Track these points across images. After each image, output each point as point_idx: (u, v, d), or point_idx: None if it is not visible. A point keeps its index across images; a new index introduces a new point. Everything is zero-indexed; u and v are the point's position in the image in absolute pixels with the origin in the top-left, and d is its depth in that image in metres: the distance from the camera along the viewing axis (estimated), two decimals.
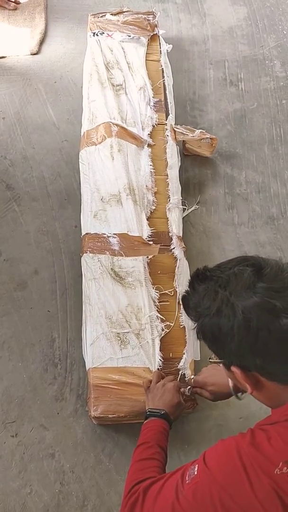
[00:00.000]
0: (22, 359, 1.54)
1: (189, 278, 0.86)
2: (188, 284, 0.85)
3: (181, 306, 1.49)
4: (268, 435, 0.77)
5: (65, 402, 1.47)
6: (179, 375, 1.38)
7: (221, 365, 0.85)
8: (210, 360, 0.87)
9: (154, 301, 1.50)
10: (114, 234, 1.62)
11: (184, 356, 1.42)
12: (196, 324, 0.82)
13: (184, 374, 1.37)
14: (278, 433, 0.77)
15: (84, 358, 1.47)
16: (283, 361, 0.75)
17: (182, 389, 1.28)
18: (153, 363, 1.39)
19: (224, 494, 0.75)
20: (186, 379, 1.33)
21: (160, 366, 1.39)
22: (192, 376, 1.25)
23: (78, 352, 1.53)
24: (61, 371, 1.52)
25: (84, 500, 1.33)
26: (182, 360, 1.41)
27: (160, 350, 1.42)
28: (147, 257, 1.58)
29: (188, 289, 0.84)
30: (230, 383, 1.10)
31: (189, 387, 1.31)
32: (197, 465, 0.81)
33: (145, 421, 1.13)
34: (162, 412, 1.13)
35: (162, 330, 1.46)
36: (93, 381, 1.36)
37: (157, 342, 1.43)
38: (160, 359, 1.40)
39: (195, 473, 0.80)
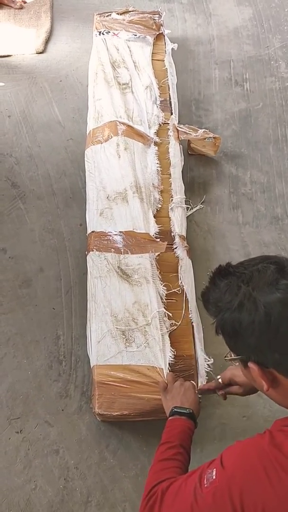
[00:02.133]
0: (27, 356, 1.55)
1: (210, 274, 0.86)
2: (209, 280, 0.86)
3: (189, 304, 1.51)
4: None
5: (70, 399, 1.48)
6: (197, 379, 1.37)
7: (237, 363, 0.85)
8: (226, 358, 0.87)
9: (161, 298, 1.51)
10: (120, 231, 1.62)
11: (198, 356, 1.43)
12: (215, 319, 0.83)
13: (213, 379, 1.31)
14: None
15: (88, 355, 1.47)
16: None
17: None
18: (162, 359, 1.39)
19: (245, 495, 0.74)
20: (214, 385, 1.26)
21: (171, 361, 1.39)
22: (218, 377, 1.21)
23: (83, 349, 1.54)
24: (66, 368, 1.53)
25: (88, 496, 1.34)
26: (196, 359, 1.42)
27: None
28: (155, 254, 1.58)
29: (209, 285, 0.85)
30: None
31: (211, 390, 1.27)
32: (215, 469, 0.80)
33: (170, 418, 1.11)
34: (190, 411, 1.11)
35: (170, 326, 1.46)
36: (98, 378, 1.37)
37: (167, 338, 1.44)
38: (171, 356, 1.40)
39: (214, 477, 0.79)
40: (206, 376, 1.41)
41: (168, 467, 0.97)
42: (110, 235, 1.62)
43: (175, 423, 1.08)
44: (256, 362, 0.79)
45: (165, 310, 1.48)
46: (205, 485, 0.79)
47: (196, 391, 1.23)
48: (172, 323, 1.48)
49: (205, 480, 0.80)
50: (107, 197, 1.71)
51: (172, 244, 1.65)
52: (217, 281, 0.82)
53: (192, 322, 1.49)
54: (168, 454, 1.00)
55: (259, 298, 0.75)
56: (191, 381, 1.26)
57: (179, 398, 1.16)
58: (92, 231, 1.65)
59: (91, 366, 1.43)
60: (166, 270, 1.59)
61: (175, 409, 1.12)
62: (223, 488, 0.77)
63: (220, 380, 1.20)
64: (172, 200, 1.75)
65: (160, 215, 1.72)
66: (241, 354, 0.81)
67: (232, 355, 0.84)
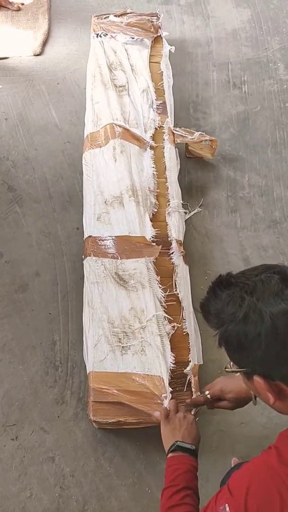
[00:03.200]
0: (23, 361, 1.54)
1: (210, 284, 0.83)
2: (208, 290, 0.83)
3: (183, 312, 1.49)
4: None
5: (66, 405, 1.47)
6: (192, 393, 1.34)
7: (238, 374, 0.83)
8: (227, 369, 0.85)
9: (160, 302, 1.49)
10: (115, 236, 1.61)
11: (190, 362, 1.41)
12: (218, 331, 0.80)
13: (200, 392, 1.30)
14: None
15: (85, 362, 1.46)
16: None
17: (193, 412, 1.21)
18: (159, 366, 1.38)
19: None
20: (202, 395, 1.23)
21: (172, 367, 1.37)
22: (207, 392, 1.17)
23: (79, 355, 1.52)
24: (62, 374, 1.52)
25: (84, 505, 1.33)
26: (188, 365, 1.40)
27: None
28: (150, 258, 1.57)
29: (209, 295, 0.82)
30: None
31: (196, 409, 1.25)
32: (227, 505, 0.76)
33: (170, 455, 1.04)
34: (194, 448, 1.04)
35: (172, 329, 1.45)
36: (93, 385, 1.35)
37: (167, 343, 1.42)
38: (172, 362, 1.39)
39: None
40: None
41: None
42: (107, 240, 1.61)
43: (178, 462, 1.02)
44: (262, 375, 0.77)
45: (164, 314, 1.47)
46: None
47: (184, 405, 1.20)
48: (173, 326, 1.46)
49: None
50: (105, 202, 1.69)
51: (169, 249, 1.63)
52: (218, 292, 0.80)
53: (185, 330, 1.47)
54: (175, 500, 0.94)
55: (265, 310, 0.73)
56: (193, 409, 1.20)
57: (181, 432, 1.08)
58: (89, 236, 1.63)
59: (87, 373, 1.41)
60: (164, 275, 1.57)
61: (179, 444, 1.05)
62: None
63: (208, 396, 1.17)
64: (169, 204, 1.74)
65: (157, 220, 1.71)
66: (246, 367, 0.79)
67: (234, 367, 0.82)
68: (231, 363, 0.84)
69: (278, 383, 0.76)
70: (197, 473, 1.02)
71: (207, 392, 1.17)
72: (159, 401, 1.31)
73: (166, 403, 1.29)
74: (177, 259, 1.60)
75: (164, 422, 1.13)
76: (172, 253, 1.62)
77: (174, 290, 1.54)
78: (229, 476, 0.85)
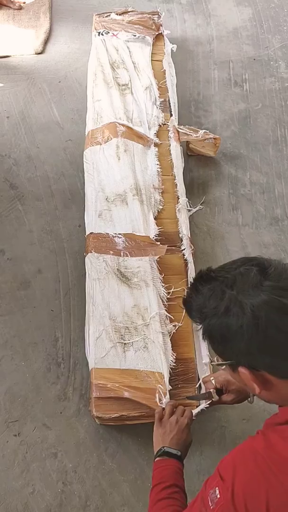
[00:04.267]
0: (25, 358, 1.54)
1: (191, 280, 0.85)
2: (190, 286, 0.85)
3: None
4: (282, 435, 0.76)
5: (68, 401, 1.47)
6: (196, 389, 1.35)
7: (224, 367, 0.84)
8: (213, 363, 0.86)
9: (162, 301, 1.49)
10: (120, 234, 1.61)
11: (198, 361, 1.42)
12: (201, 326, 0.82)
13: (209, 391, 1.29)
14: None
15: (87, 358, 1.46)
16: None
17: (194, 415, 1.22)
18: (161, 363, 1.38)
19: (248, 504, 0.73)
20: (206, 379, 1.25)
21: (172, 366, 1.38)
22: (212, 378, 1.19)
23: (81, 351, 1.53)
24: (64, 371, 1.52)
25: (86, 500, 1.33)
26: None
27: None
28: (155, 257, 1.57)
29: (190, 292, 0.84)
30: None
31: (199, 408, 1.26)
32: (217, 488, 0.78)
33: (157, 459, 1.07)
34: (179, 454, 1.07)
35: (173, 328, 1.45)
36: (95, 381, 1.36)
37: (168, 341, 1.42)
38: (172, 360, 1.39)
39: (218, 496, 0.77)
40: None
41: (168, 505, 0.94)
42: (109, 237, 1.61)
43: (166, 464, 1.04)
44: (247, 366, 0.78)
45: (166, 313, 1.47)
46: (211, 507, 0.78)
47: (186, 397, 1.21)
48: (174, 325, 1.46)
49: (209, 502, 0.78)
50: (106, 199, 1.70)
51: (175, 245, 1.63)
52: (199, 287, 0.81)
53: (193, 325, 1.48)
54: (164, 494, 0.97)
55: (245, 302, 0.74)
56: (189, 413, 1.20)
57: (170, 437, 1.10)
58: (91, 233, 1.64)
59: (90, 369, 1.42)
60: (168, 272, 1.58)
61: (165, 449, 1.08)
62: (229, 504, 0.75)
63: (213, 381, 1.19)
64: (179, 201, 1.75)
65: (161, 217, 1.71)
66: (230, 359, 0.80)
67: (220, 360, 0.83)
68: (218, 357, 0.85)
69: (262, 373, 0.78)
70: (183, 475, 1.04)
71: (212, 378, 1.19)
72: (159, 400, 1.31)
73: (164, 403, 1.29)
74: (189, 255, 1.61)
75: (157, 425, 1.16)
76: (183, 249, 1.62)
77: (178, 287, 1.54)
78: None
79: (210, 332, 0.80)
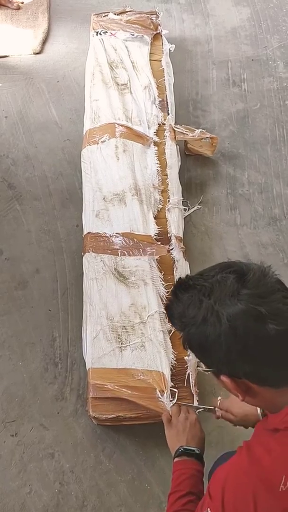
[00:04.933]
0: (22, 358, 1.54)
1: (172, 287, 0.84)
2: (171, 293, 0.84)
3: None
4: (267, 448, 0.75)
5: (65, 401, 1.47)
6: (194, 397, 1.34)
7: (209, 373, 0.83)
8: (199, 368, 0.86)
9: (162, 300, 1.49)
10: (117, 233, 1.61)
11: (189, 356, 1.41)
12: (182, 334, 0.81)
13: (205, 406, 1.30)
14: (278, 444, 0.75)
15: (84, 358, 1.46)
16: (273, 365, 0.74)
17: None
18: (159, 362, 1.38)
19: None
20: (214, 402, 1.23)
21: (173, 364, 1.38)
22: (219, 398, 1.18)
23: (79, 351, 1.52)
24: (62, 371, 1.52)
25: (83, 501, 1.33)
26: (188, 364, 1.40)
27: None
28: (156, 256, 1.57)
29: (172, 299, 0.83)
30: (259, 410, 1.07)
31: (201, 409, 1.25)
32: (209, 509, 0.78)
33: (176, 459, 1.03)
34: (197, 451, 1.04)
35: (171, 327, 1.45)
36: (92, 381, 1.35)
37: (168, 340, 1.42)
38: (173, 358, 1.39)
39: None
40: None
41: None
42: (106, 237, 1.61)
43: (184, 467, 1.01)
44: (228, 374, 0.77)
45: (165, 312, 1.46)
46: None
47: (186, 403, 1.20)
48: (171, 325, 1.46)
49: None
50: (103, 198, 1.70)
51: (168, 245, 1.63)
52: (179, 295, 0.80)
53: None
54: (177, 505, 0.95)
55: (222, 311, 0.73)
56: (194, 411, 1.18)
57: (185, 436, 1.07)
58: (88, 232, 1.64)
59: (87, 369, 1.41)
60: (164, 271, 1.57)
61: (183, 449, 1.04)
62: None
63: (218, 402, 1.18)
64: (169, 201, 1.74)
65: (159, 217, 1.71)
66: (211, 367, 0.80)
67: (204, 367, 0.83)
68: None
69: (244, 380, 0.77)
70: (202, 477, 1.01)
71: (219, 398, 1.18)
72: (159, 396, 1.31)
73: (168, 407, 1.29)
74: (177, 254, 1.60)
75: (167, 428, 1.13)
76: (171, 248, 1.62)
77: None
78: (216, 465, 0.85)
79: (189, 341, 0.80)
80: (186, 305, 0.78)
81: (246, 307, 0.72)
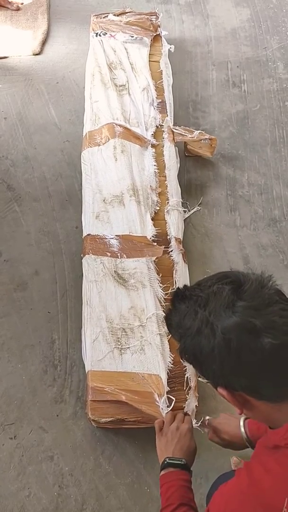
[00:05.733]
0: (21, 360, 1.53)
1: (172, 296, 0.83)
2: (170, 302, 0.83)
3: None
4: (266, 468, 0.74)
5: (65, 404, 1.46)
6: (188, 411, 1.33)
7: (208, 383, 0.82)
8: (199, 378, 0.85)
9: (160, 302, 1.49)
10: (116, 235, 1.60)
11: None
12: (178, 344, 0.80)
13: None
14: (278, 463, 0.73)
15: (83, 360, 1.46)
16: (269, 380, 0.72)
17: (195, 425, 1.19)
18: (158, 365, 1.37)
19: None
20: (201, 421, 1.22)
21: (170, 367, 1.37)
22: (208, 418, 1.17)
23: (78, 354, 1.52)
24: (61, 373, 1.51)
25: (83, 504, 1.32)
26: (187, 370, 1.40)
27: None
28: (152, 258, 1.56)
29: (170, 309, 0.82)
30: (244, 434, 1.07)
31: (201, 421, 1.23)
32: None
33: (163, 473, 1.02)
34: (184, 462, 1.01)
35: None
36: (92, 384, 1.35)
37: (166, 343, 1.41)
38: (170, 361, 1.38)
39: None
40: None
41: None
42: (106, 239, 1.60)
43: (170, 479, 0.99)
44: (224, 386, 0.76)
45: (163, 313, 1.46)
46: None
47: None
48: None
49: None
50: (103, 200, 1.69)
51: (168, 247, 1.63)
52: (177, 305, 0.79)
53: None
54: None
55: (216, 324, 0.72)
56: (189, 420, 1.16)
57: (172, 446, 1.05)
58: (88, 234, 1.63)
59: (86, 371, 1.41)
60: (163, 273, 1.57)
61: (167, 461, 1.02)
62: None
63: (207, 421, 1.17)
64: (168, 202, 1.74)
65: (158, 218, 1.70)
66: (208, 379, 0.79)
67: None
68: None
69: (241, 393, 0.75)
70: (190, 485, 1.00)
71: (208, 418, 1.17)
72: (156, 401, 1.30)
73: (161, 405, 1.28)
74: (176, 256, 1.60)
75: (158, 436, 1.12)
76: (171, 250, 1.61)
77: (173, 288, 1.53)
78: (214, 488, 0.84)
79: (185, 352, 0.79)
80: (182, 315, 0.77)
81: (240, 319, 0.71)
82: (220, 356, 0.72)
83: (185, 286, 0.82)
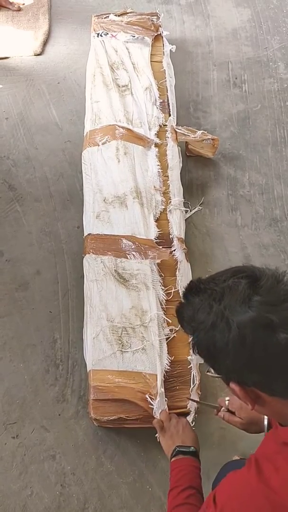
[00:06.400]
0: (23, 360, 1.54)
1: (183, 290, 0.83)
2: (182, 296, 0.83)
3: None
4: (276, 465, 0.74)
5: (67, 403, 1.46)
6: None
7: (219, 379, 0.82)
8: (208, 373, 0.85)
9: (161, 303, 1.49)
10: (119, 235, 1.61)
11: (192, 362, 1.41)
12: (191, 338, 0.80)
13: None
14: (287, 461, 0.74)
15: (85, 360, 1.46)
16: (282, 376, 0.72)
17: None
18: (158, 365, 1.38)
19: None
20: (221, 403, 1.20)
21: (167, 369, 1.38)
22: (227, 398, 1.15)
23: (80, 353, 1.52)
24: (63, 372, 1.52)
25: (85, 503, 1.32)
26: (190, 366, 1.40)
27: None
28: (157, 260, 1.57)
29: (183, 301, 0.81)
30: (266, 420, 1.06)
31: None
32: None
33: (173, 459, 1.05)
34: (192, 449, 1.05)
35: (169, 332, 1.45)
36: (93, 383, 1.35)
37: (164, 345, 1.42)
38: (167, 363, 1.39)
39: None
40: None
41: (184, 510, 0.94)
42: (107, 238, 1.61)
43: (181, 464, 1.02)
44: (237, 381, 0.76)
45: (164, 316, 1.47)
46: None
47: (191, 398, 1.19)
48: (171, 329, 1.46)
49: None
50: (104, 200, 1.69)
51: (170, 247, 1.63)
52: (190, 298, 0.79)
53: None
54: (179, 500, 0.96)
55: (232, 318, 0.71)
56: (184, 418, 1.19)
57: (179, 437, 1.09)
58: (89, 234, 1.64)
59: (87, 371, 1.41)
60: (166, 273, 1.57)
61: (179, 449, 1.06)
62: None
63: (227, 402, 1.15)
64: (170, 202, 1.74)
65: (160, 218, 1.71)
66: (220, 374, 0.78)
67: (214, 372, 0.81)
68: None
69: (253, 389, 0.75)
70: (200, 472, 1.03)
71: (227, 398, 1.16)
72: (149, 400, 1.30)
73: (155, 407, 1.29)
74: (180, 255, 1.60)
75: (161, 433, 1.14)
76: (174, 250, 1.62)
77: (176, 287, 1.53)
78: (219, 479, 0.84)
79: (198, 346, 0.78)
80: (196, 309, 0.76)
81: (256, 315, 0.70)
82: (235, 351, 0.72)
83: (199, 279, 0.80)
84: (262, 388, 0.74)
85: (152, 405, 1.30)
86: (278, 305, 0.70)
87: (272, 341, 0.69)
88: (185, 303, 0.80)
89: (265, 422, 1.05)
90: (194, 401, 1.31)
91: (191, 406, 1.34)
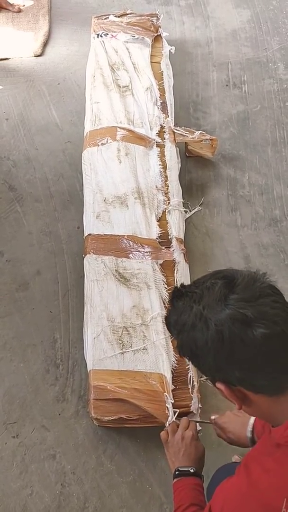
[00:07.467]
0: (23, 359, 1.54)
1: (170, 296, 0.86)
2: (169, 302, 0.86)
3: None
4: (265, 467, 0.74)
5: (67, 403, 1.47)
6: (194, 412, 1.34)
7: (209, 381, 0.83)
8: (201, 379, 0.86)
9: (164, 303, 1.50)
10: (120, 235, 1.61)
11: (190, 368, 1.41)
12: (176, 341, 0.82)
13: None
14: (277, 463, 0.74)
15: (85, 359, 1.46)
16: (263, 371, 0.73)
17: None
18: (162, 365, 1.38)
19: None
20: (207, 421, 1.24)
21: (174, 366, 1.38)
22: (213, 417, 1.18)
23: (80, 353, 1.53)
24: (63, 372, 1.52)
25: (85, 502, 1.33)
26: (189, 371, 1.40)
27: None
28: (160, 261, 1.57)
29: (169, 308, 0.84)
30: (248, 433, 1.08)
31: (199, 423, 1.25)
32: None
33: (175, 481, 1.05)
34: (192, 471, 1.06)
35: None
36: (94, 383, 1.35)
37: (170, 343, 1.42)
38: (174, 360, 1.39)
39: None
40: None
41: None
42: (107, 238, 1.61)
43: (182, 484, 1.03)
44: (222, 381, 0.77)
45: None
46: None
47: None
48: None
49: None
50: (104, 200, 1.70)
51: (169, 247, 1.64)
52: (175, 303, 0.81)
53: None
54: None
55: (210, 317, 0.73)
56: (193, 425, 1.18)
57: (180, 456, 1.09)
58: (89, 234, 1.64)
59: (88, 371, 1.41)
60: (167, 273, 1.58)
61: (178, 471, 1.06)
62: None
63: (213, 421, 1.17)
64: (169, 203, 1.75)
65: (160, 219, 1.71)
66: (206, 374, 0.80)
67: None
68: None
69: (239, 388, 0.76)
70: (202, 489, 1.03)
71: (213, 417, 1.18)
72: (160, 399, 1.31)
73: (169, 415, 1.29)
74: (178, 256, 1.60)
75: (165, 447, 1.15)
76: (173, 250, 1.62)
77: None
78: (214, 483, 0.85)
79: (182, 348, 0.81)
80: (179, 313, 0.79)
81: (233, 312, 0.72)
82: (214, 348, 0.73)
83: (182, 284, 0.84)
84: (246, 386, 0.75)
85: (166, 400, 1.30)
86: (253, 301, 0.72)
87: (249, 336, 0.71)
88: (171, 309, 0.83)
89: (249, 435, 1.07)
90: (192, 420, 1.29)
91: (193, 405, 1.34)
